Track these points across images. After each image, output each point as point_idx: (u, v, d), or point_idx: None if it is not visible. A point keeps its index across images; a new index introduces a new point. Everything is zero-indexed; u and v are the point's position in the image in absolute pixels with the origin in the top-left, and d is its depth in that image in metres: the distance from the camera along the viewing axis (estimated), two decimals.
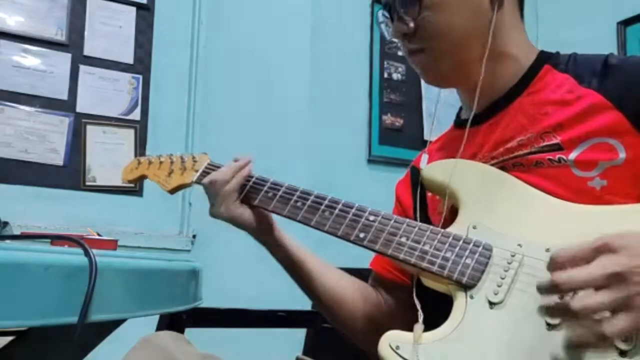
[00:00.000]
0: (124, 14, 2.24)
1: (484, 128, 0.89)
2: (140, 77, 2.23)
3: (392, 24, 0.90)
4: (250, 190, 0.94)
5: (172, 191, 1.05)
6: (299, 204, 0.89)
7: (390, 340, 0.72)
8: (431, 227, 0.81)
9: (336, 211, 0.86)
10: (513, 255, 0.74)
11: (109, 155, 2.13)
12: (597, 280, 0.59)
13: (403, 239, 0.80)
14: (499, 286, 0.73)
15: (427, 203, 0.95)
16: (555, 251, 0.63)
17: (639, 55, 0.87)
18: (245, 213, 0.93)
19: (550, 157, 0.80)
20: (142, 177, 1.08)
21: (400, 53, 2.64)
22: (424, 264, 0.77)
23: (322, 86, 2.44)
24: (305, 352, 1.58)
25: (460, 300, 0.74)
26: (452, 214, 0.85)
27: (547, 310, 0.63)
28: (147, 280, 0.69)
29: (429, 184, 0.88)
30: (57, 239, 0.72)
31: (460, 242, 0.78)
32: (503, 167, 0.83)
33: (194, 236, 2.21)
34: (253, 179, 0.94)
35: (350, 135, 2.51)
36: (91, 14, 2.18)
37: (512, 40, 0.89)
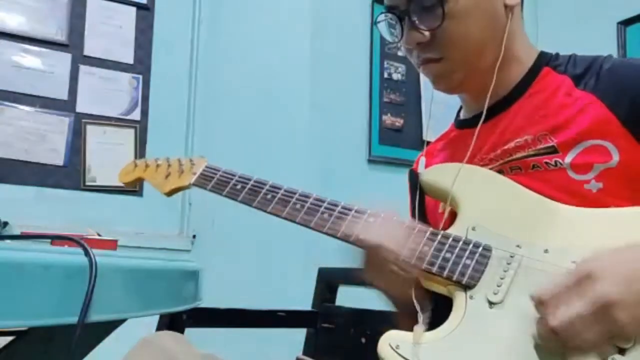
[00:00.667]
0: (124, 14, 2.24)
1: (484, 129, 0.89)
2: (140, 77, 2.24)
3: (403, 30, 0.88)
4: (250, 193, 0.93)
5: (169, 193, 1.04)
6: (297, 206, 0.88)
7: (390, 340, 0.73)
8: (430, 228, 0.81)
9: (335, 213, 0.86)
10: (512, 256, 0.75)
11: (109, 155, 2.13)
12: (587, 318, 0.61)
13: None
14: (498, 286, 0.73)
15: (425, 205, 0.96)
16: (537, 292, 0.65)
17: (639, 56, 0.87)
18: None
19: (547, 161, 0.80)
20: (139, 180, 1.08)
21: (400, 53, 2.64)
22: (424, 265, 0.78)
23: (322, 86, 2.44)
24: (305, 352, 1.58)
25: (459, 301, 0.75)
26: (451, 215, 0.85)
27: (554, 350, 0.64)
28: (147, 280, 0.69)
29: (428, 188, 0.88)
30: (57, 239, 0.73)
31: (460, 243, 0.78)
32: (500, 171, 0.84)
33: (194, 236, 2.21)
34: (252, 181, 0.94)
35: (350, 135, 2.51)
36: (91, 14, 2.18)
37: (519, 43, 0.89)
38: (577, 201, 0.76)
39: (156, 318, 1.34)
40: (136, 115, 2.21)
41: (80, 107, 2.13)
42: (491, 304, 0.72)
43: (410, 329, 0.75)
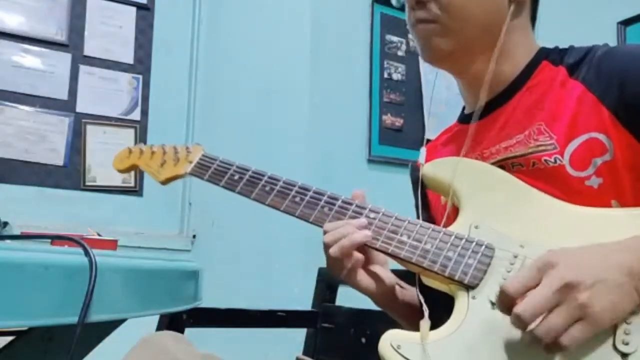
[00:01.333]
0: (124, 14, 2.24)
1: (483, 124, 0.89)
2: (140, 77, 2.24)
3: None
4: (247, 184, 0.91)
5: (165, 182, 1.01)
6: (297, 199, 0.88)
7: (391, 339, 0.72)
8: (433, 225, 0.80)
9: (335, 207, 0.85)
10: (515, 256, 0.74)
11: (109, 155, 2.12)
12: (550, 299, 0.61)
13: (404, 237, 0.80)
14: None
15: (429, 201, 0.95)
16: (503, 284, 0.65)
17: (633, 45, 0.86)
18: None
19: (546, 158, 0.79)
20: (134, 167, 1.05)
21: (400, 53, 2.64)
22: (426, 263, 0.77)
23: (322, 86, 2.44)
24: (305, 352, 1.58)
25: (462, 300, 0.74)
26: (453, 210, 0.85)
27: (531, 343, 0.64)
28: (147, 280, 0.69)
29: (430, 182, 0.88)
30: (57, 239, 0.72)
31: (462, 241, 0.77)
32: (501, 167, 0.83)
33: (194, 236, 2.21)
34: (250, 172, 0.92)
35: (350, 135, 2.51)
36: (91, 14, 2.18)
37: (520, 40, 0.89)
38: (578, 199, 0.76)
39: (156, 318, 1.34)
40: (136, 115, 2.21)
41: (80, 107, 2.13)
42: (494, 304, 0.71)
43: (410, 329, 0.75)
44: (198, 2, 2.32)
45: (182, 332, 1.30)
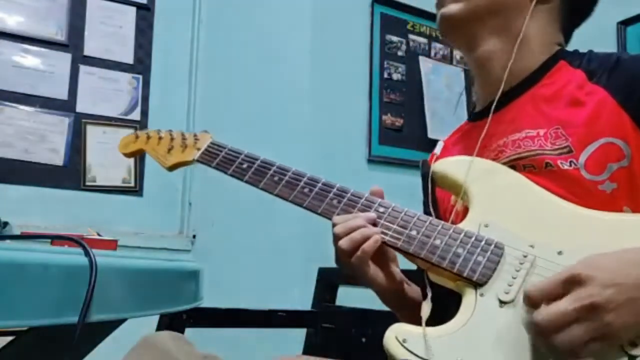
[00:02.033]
0: (124, 14, 2.24)
1: (495, 119, 0.88)
2: (140, 77, 2.23)
3: None
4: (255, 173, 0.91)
5: (171, 168, 0.99)
6: (306, 190, 0.87)
7: (397, 333, 0.71)
8: (442, 222, 0.80)
9: (345, 200, 0.85)
10: (525, 256, 0.74)
11: (109, 155, 2.13)
12: (571, 314, 0.61)
13: (413, 232, 0.79)
14: (509, 285, 0.72)
15: (436, 197, 0.95)
16: (527, 289, 0.65)
17: None
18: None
19: (562, 161, 0.79)
20: (140, 152, 1.02)
21: (400, 53, 2.64)
22: (435, 259, 0.76)
23: (322, 86, 2.44)
24: (305, 352, 1.58)
25: (469, 297, 0.74)
26: (462, 211, 0.84)
27: (547, 350, 0.64)
28: (147, 280, 0.69)
29: (441, 180, 0.87)
30: (57, 239, 0.73)
31: (472, 239, 0.76)
32: (513, 167, 0.83)
33: (194, 236, 2.21)
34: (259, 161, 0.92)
35: (350, 135, 2.51)
36: (91, 14, 2.18)
37: (540, 34, 0.89)
38: (591, 202, 0.75)
39: (156, 318, 1.34)
40: (136, 115, 2.21)
41: (80, 107, 2.12)
42: (502, 302, 0.71)
43: (412, 322, 0.74)
44: (198, 2, 2.32)
45: (182, 332, 1.30)
